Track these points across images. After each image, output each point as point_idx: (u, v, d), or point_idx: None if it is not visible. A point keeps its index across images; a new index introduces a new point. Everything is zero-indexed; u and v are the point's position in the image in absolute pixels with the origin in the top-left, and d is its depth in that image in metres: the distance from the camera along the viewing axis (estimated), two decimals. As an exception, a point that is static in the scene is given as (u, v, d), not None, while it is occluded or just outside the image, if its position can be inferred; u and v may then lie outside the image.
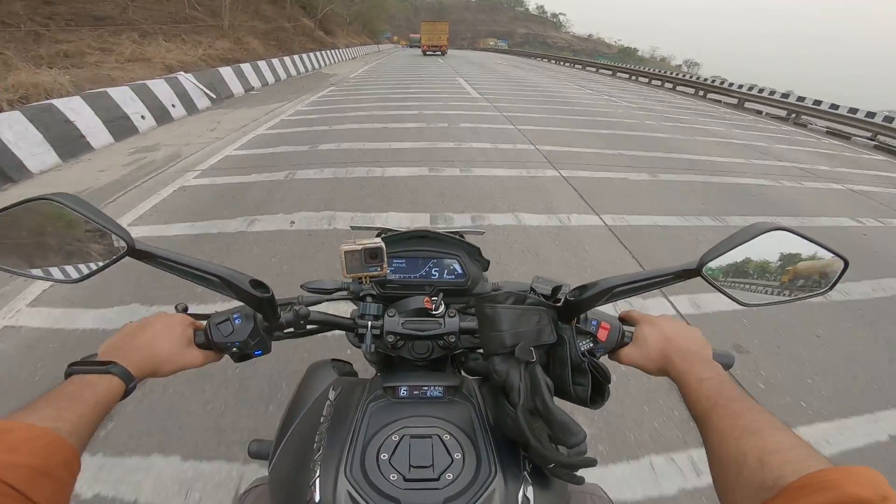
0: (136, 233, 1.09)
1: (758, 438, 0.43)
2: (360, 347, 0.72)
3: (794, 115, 12.29)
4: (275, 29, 18.55)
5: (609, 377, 0.63)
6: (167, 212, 3.76)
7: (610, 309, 0.69)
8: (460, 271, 0.82)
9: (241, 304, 0.64)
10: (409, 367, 0.74)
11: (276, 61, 13.78)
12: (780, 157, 7.30)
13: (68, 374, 0.50)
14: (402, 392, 0.66)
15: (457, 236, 0.85)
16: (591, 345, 0.67)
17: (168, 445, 1.68)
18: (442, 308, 0.74)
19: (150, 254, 0.57)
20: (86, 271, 0.57)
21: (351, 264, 0.70)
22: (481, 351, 0.73)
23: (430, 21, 45.04)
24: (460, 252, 0.83)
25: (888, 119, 10.69)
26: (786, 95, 14.65)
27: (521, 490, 0.54)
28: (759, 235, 0.55)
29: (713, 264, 0.57)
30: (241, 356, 0.66)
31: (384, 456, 0.55)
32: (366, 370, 0.86)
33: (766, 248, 0.57)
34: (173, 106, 7.49)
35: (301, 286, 0.79)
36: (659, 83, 19.85)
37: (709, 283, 0.59)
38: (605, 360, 0.69)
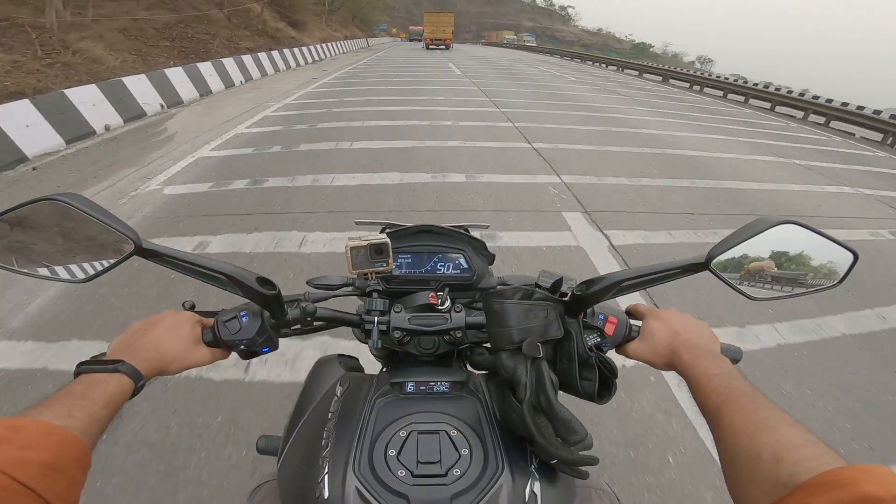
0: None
1: (772, 434, 0.42)
2: (366, 343, 0.73)
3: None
4: (182, 21, 12.37)
5: (616, 372, 0.63)
6: None
7: (617, 303, 0.69)
8: (465, 266, 0.82)
9: (248, 301, 0.64)
10: (416, 363, 0.75)
11: (134, 81, 7.30)
12: None
13: (77, 374, 0.51)
14: (409, 388, 0.66)
15: (461, 230, 0.84)
16: (598, 339, 0.67)
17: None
18: (448, 303, 0.74)
19: (158, 253, 0.57)
20: (93, 271, 0.57)
21: (356, 260, 0.70)
22: (487, 346, 0.73)
23: (434, 12, 41.23)
24: (465, 246, 0.83)
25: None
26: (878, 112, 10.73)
27: (529, 486, 0.54)
28: (767, 229, 0.55)
29: (721, 258, 0.57)
30: (249, 353, 0.66)
31: (392, 452, 0.55)
32: (372, 365, 0.87)
33: (776, 243, 0.57)
34: None
35: (307, 282, 0.79)
36: (698, 87, 16.32)
37: (717, 276, 0.59)
38: (611, 354, 0.69)
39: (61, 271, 0.58)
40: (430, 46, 37.66)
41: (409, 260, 0.81)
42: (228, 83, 10.80)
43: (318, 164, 4.99)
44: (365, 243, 0.69)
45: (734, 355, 0.64)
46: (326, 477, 0.54)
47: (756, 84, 16.12)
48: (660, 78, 19.72)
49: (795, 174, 6.08)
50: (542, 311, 0.61)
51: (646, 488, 1.65)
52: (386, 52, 29.25)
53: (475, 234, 0.85)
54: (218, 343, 0.64)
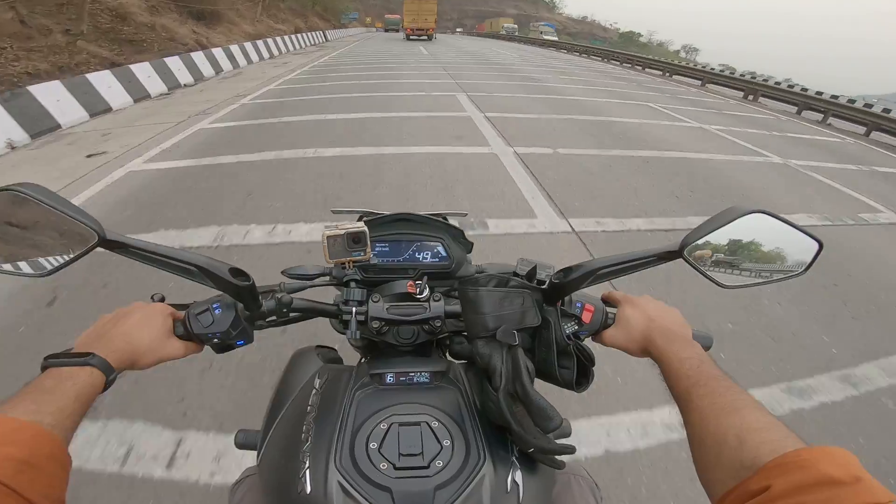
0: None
1: (737, 417, 0.44)
2: (344, 334, 0.72)
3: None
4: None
5: (593, 360, 0.64)
6: None
7: (593, 291, 0.70)
8: (444, 254, 0.82)
9: (220, 293, 0.62)
10: (395, 353, 0.74)
11: None
12: None
13: (44, 367, 0.49)
14: (389, 379, 0.66)
15: (439, 219, 0.84)
16: (576, 327, 0.68)
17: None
18: (426, 292, 0.73)
19: (122, 243, 0.55)
20: (55, 264, 0.55)
21: (333, 249, 0.69)
22: (466, 335, 0.73)
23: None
24: (444, 235, 0.83)
25: None
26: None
27: (510, 475, 0.55)
28: (738, 218, 0.56)
29: (694, 246, 0.58)
30: (223, 347, 0.65)
31: (373, 445, 0.55)
32: (350, 356, 0.86)
33: (746, 231, 0.58)
34: None
35: (282, 272, 0.77)
36: (698, 81, 15.59)
37: (690, 264, 0.60)
38: (588, 342, 0.70)
39: (21, 265, 0.55)
40: (412, 37, 33.86)
41: (388, 248, 0.81)
42: None
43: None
44: (342, 232, 0.68)
45: (706, 342, 0.66)
46: (308, 472, 0.53)
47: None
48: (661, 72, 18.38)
49: (654, 114, 8.83)
50: (519, 298, 0.62)
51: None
52: (349, 49, 21.64)
53: (453, 221, 0.85)
54: (190, 336, 0.63)
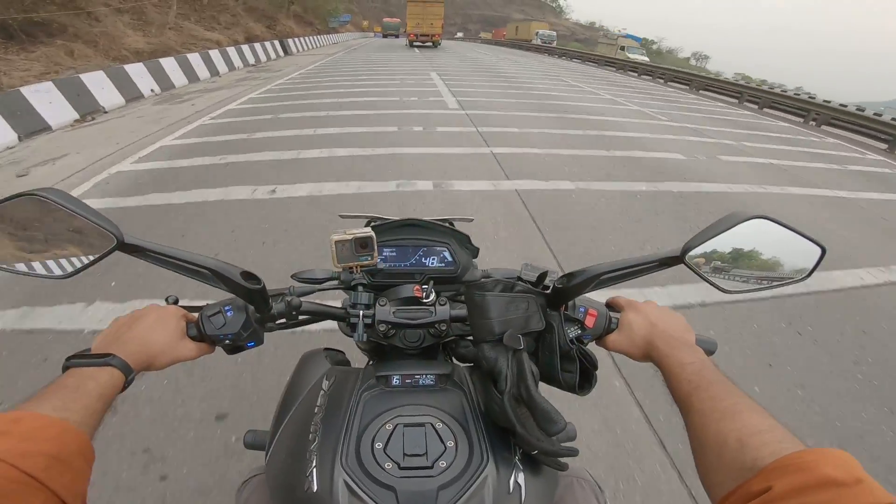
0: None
1: (738, 420, 0.44)
2: (352, 337, 0.73)
3: None
4: None
5: (596, 364, 0.65)
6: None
7: (597, 295, 0.70)
8: (450, 259, 0.83)
9: (232, 296, 0.64)
10: (401, 356, 0.75)
11: None
12: None
13: (66, 368, 0.51)
14: (395, 381, 0.67)
15: (446, 224, 0.85)
16: (579, 331, 0.68)
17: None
18: (432, 296, 0.75)
19: (140, 247, 0.56)
20: (74, 267, 0.57)
21: (341, 254, 0.70)
22: (472, 338, 0.74)
23: (419, 2, 30.76)
24: (450, 240, 0.84)
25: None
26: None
27: (513, 476, 0.56)
28: (740, 223, 0.56)
29: (696, 252, 0.59)
30: (234, 348, 0.66)
31: (379, 445, 0.56)
32: (358, 359, 0.87)
33: (747, 237, 0.58)
34: None
35: (291, 276, 0.79)
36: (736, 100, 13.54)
37: (691, 269, 0.61)
38: (591, 346, 0.70)
39: (42, 267, 0.57)
40: (415, 43, 30.18)
41: (394, 253, 0.82)
42: None
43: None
44: (350, 237, 0.70)
45: (709, 347, 0.66)
46: (315, 470, 0.55)
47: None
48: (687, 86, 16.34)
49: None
50: (524, 303, 0.63)
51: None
52: (304, 74, 12.73)
53: (459, 227, 0.86)
54: (203, 338, 0.64)
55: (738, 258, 0.61)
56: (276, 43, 18.84)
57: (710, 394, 0.50)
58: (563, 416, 0.55)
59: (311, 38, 25.88)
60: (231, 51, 14.11)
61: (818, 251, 0.59)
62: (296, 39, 22.31)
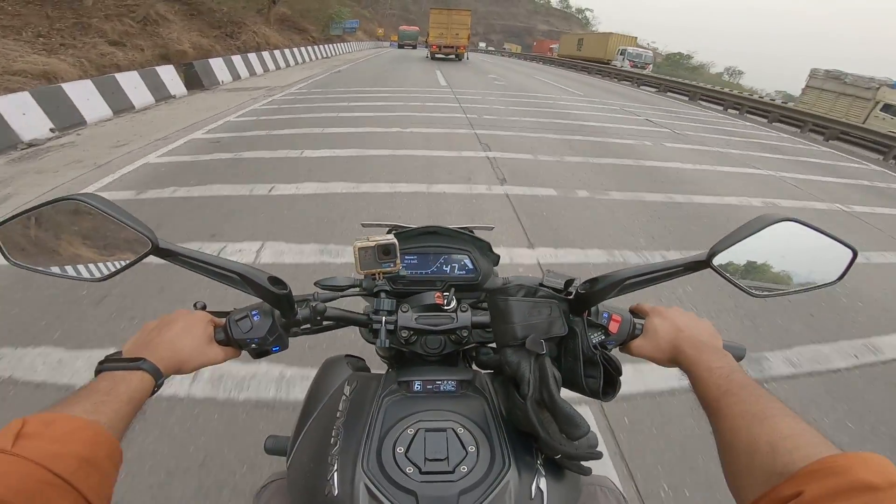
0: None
1: (769, 425, 0.43)
2: (374, 343, 0.74)
3: None
4: None
5: (620, 370, 0.64)
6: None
7: (621, 301, 0.70)
8: (471, 266, 0.83)
9: (259, 301, 0.65)
10: (422, 362, 0.75)
11: None
12: None
13: (98, 371, 0.52)
14: (416, 386, 0.67)
15: (467, 232, 0.86)
16: (603, 337, 0.68)
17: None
18: (454, 303, 0.75)
19: (173, 252, 0.58)
20: (110, 270, 0.59)
21: (364, 261, 0.71)
22: (493, 345, 0.74)
23: (444, 10, 27.38)
24: (471, 248, 0.84)
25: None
26: None
27: (535, 482, 0.55)
28: (768, 226, 0.56)
29: (722, 256, 0.58)
30: (260, 352, 0.67)
31: (400, 449, 0.56)
32: (376, 367, 0.87)
33: (775, 240, 0.57)
34: None
35: (315, 283, 0.80)
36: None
37: (719, 274, 0.60)
38: (616, 352, 0.70)
39: (79, 270, 0.59)
40: (437, 55, 26.84)
41: (416, 261, 0.83)
42: None
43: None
44: (373, 244, 0.71)
45: (737, 352, 0.65)
46: (336, 474, 0.55)
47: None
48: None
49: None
50: (546, 308, 0.63)
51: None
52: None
53: (480, 235, 0.87)
54: (230, 342, 0.65)
55: (766, 261, 0.60)
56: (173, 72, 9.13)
57: (740, 398, 0.48)
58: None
59: (302, 48, 19.27)
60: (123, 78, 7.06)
61: (850, 253, 0.58)
62: (258, 54, 14.26)
